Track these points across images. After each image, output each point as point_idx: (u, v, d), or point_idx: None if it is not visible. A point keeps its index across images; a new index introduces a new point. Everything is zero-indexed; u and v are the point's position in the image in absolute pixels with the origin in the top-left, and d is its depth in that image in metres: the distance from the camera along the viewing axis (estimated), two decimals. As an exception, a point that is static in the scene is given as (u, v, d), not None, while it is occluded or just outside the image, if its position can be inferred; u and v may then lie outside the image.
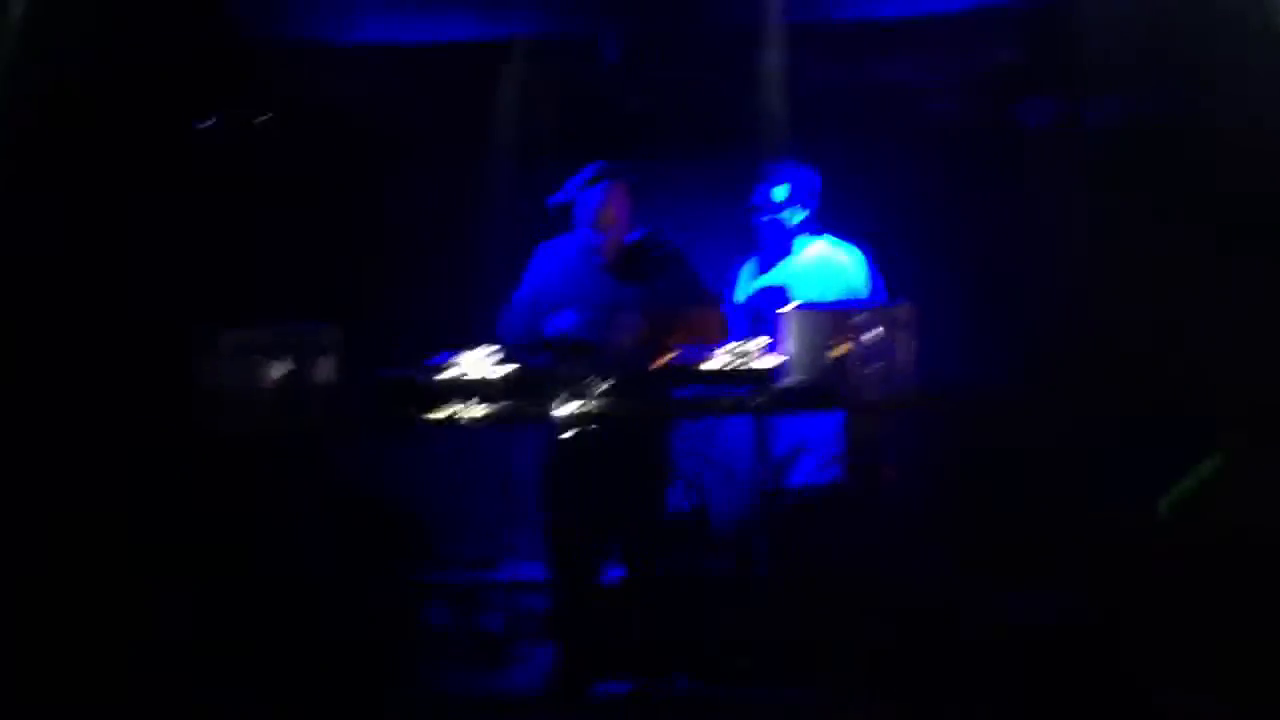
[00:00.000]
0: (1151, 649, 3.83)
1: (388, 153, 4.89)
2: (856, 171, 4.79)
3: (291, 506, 3.67)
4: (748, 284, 4.17)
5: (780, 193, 4.03)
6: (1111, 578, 3.98)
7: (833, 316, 3.47)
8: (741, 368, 3.46)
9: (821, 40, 4.76)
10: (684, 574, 4.37)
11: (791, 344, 3.53)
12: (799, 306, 3.89)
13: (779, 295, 4.02)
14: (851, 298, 3.98)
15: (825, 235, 4.11)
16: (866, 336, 3.42)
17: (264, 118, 4.86)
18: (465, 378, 3.38)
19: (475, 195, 4.83)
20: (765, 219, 4.04)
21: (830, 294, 3.96)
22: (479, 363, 3.43)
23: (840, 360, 3.46)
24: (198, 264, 4.76)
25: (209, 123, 4.79)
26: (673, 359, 3.73)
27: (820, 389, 3.41)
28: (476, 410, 3.33)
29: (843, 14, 4.72)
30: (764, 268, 4.12)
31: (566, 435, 3.75)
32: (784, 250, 4.09)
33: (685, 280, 3.95)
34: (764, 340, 3.55)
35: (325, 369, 3.35)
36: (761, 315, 4.04)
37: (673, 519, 4.20)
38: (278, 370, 3.34)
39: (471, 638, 4.48)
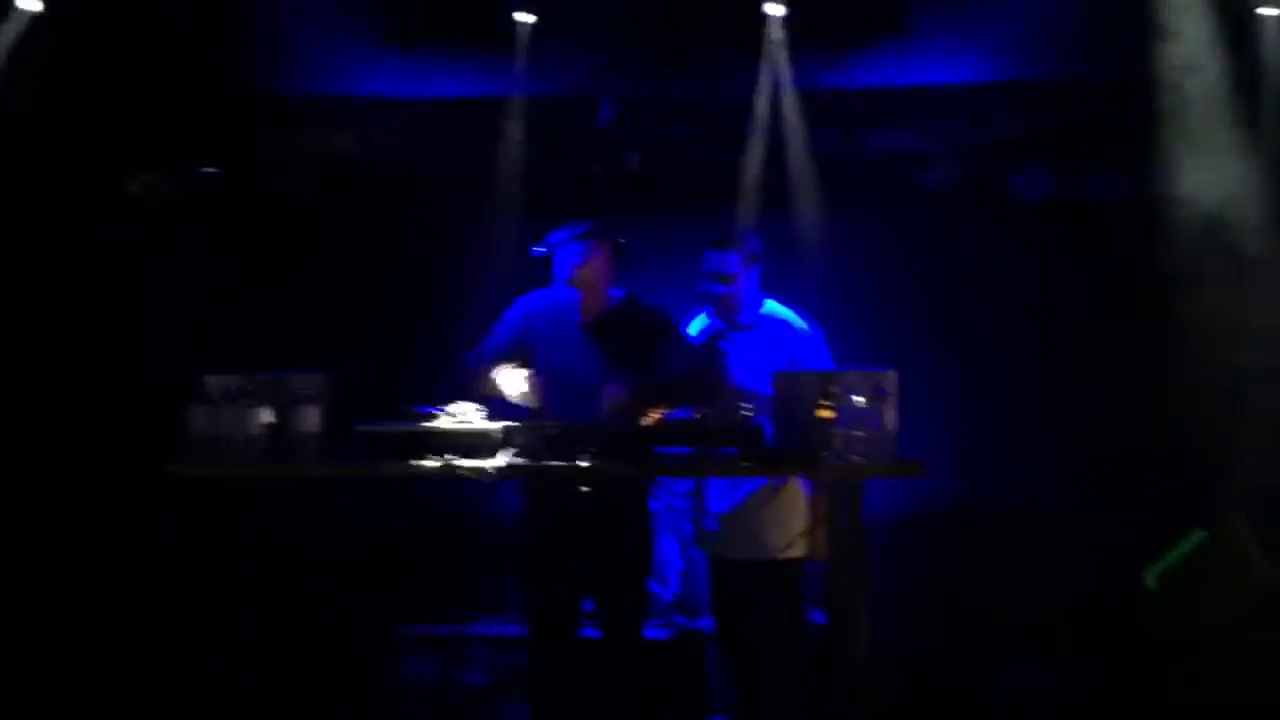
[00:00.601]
0: None
1: (385, 205, 4.94)
2: (845, 238, 4.85)
3: (275, 553, 3.67)
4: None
5: (730, 259, 4.03)
6: (1092, 647, 3.97)
7: (818, 378, 3.49)
8: (728, 428, 3.46)
9: (817, 108, 4.83)
10: (664, 636, 4.37)
11: (777, 405, 3.54)
12: (785, 370, 3.92)
13: (726, 359, 4.03)
14: (799, 361, 3.95)
15: (771, 300, 4.12)
16: (852, 401, 3.42)
17: (264, 168, 4.93)
18: (453, 429, 3.39)
19: (470, 249, 4.88)
20: (714, 285, 4.05)
21: (779, 358, 3.95)
22: (468, 415, 3.45)
23: (825, 423, 3.46)
24: (191, 311, 4.83)
25: (206, 172, 4.87)
26: (663, 417, 3.74)
27: (805, 452, 3.41)
28: (465, 462, 3.33)
29: (838, 81, 4.79)
30: (713, 331, 4.14)
31: (550, 492, 3.76)
32: (733, 314, 4.10)
33: (673, 347, 3.92)
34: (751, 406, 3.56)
35: (311, 418, 3.37)
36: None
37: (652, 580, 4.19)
38: (264, 417, 3.36)
39: (451, 692, 4.47)
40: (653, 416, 3.72)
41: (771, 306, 4.11)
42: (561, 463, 3.34)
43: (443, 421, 3.40)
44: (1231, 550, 3.78)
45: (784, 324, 4.06)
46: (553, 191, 4.84)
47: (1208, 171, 4.73)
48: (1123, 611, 4.15)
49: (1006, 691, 4.53)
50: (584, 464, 3.35)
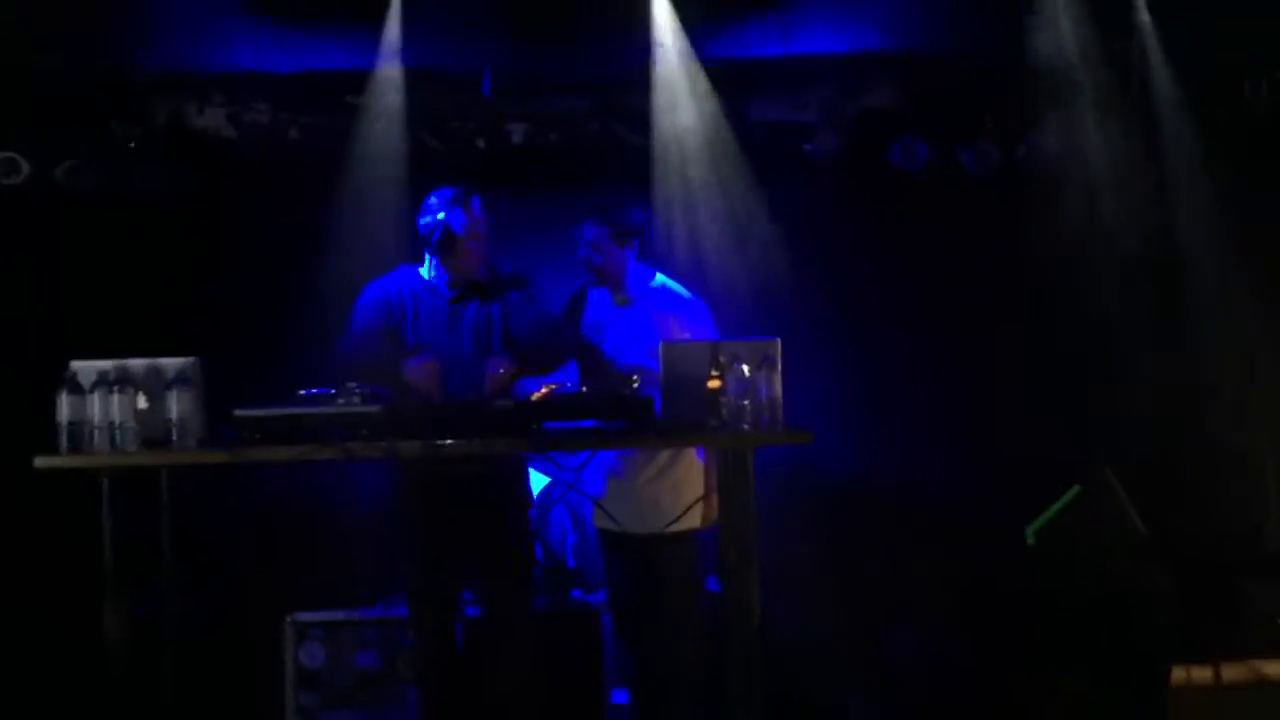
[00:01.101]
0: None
1: (256, 182, 4.79)
2: (731, 209, 4.87)
3: (152, 540, 3.57)
4: (593, 315, 4.16)
5: (596, 232, 4.03)
6: (980, 611, 4.08)
7: (705, 349, 3.50)
8: (617, 401, 3.46)
9: (700, 79, 4.82)
10: (549, 611, 4.36)
11: (665, 377, 3.55)
12: (671, 340, 3.93)
13: (608, 331, 4.03)
14: (683, 334, 3.97)
15: (660, 275, 4.13)
16: (739, 371, 3.45)
17: (130, 145, 4.74)
18: (335, 412, 3.32)
19: (350, 226, 4.77)
20: (590, 257, 4.05)
21: (663, 331, 3.97)
22: (349, 397, 3.38)
23: (713, 393, 3.48)
24: (59, 293, 4.64)
25: (74, 149, 4.67)
26: (551, 393, 3.72)
27: (692, 422, 3.43)
28: (345, 445, 3.27)
29: (719, 52, 4.79)
30: (594, 304, 4.13)
31: (424, 471, 3.70)
32: (612, 287, 4.10)
33: (538, 318, 3.90)
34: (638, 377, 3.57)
35: (186, 403, 3.26)
36: (590, 351, 4.04)
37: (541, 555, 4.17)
38: (137, 403, 3.25)
39: (342, 676, 4.41)
40: (542, 391, 3.70)
41: (660, 280, 4.11)
42: (451, 441, 3.30)
43: (324, 404, 3.32)
44: (1104, 503, 3.92)
45: (669, 297, 4.07)
46: (435, 167, 4.75)
47: (1081, 143, 4.87)
48: (1008, 572, 4.27)
49: (898, 659, 4.64)
50: (473, 442, 3.32)
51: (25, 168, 4.65)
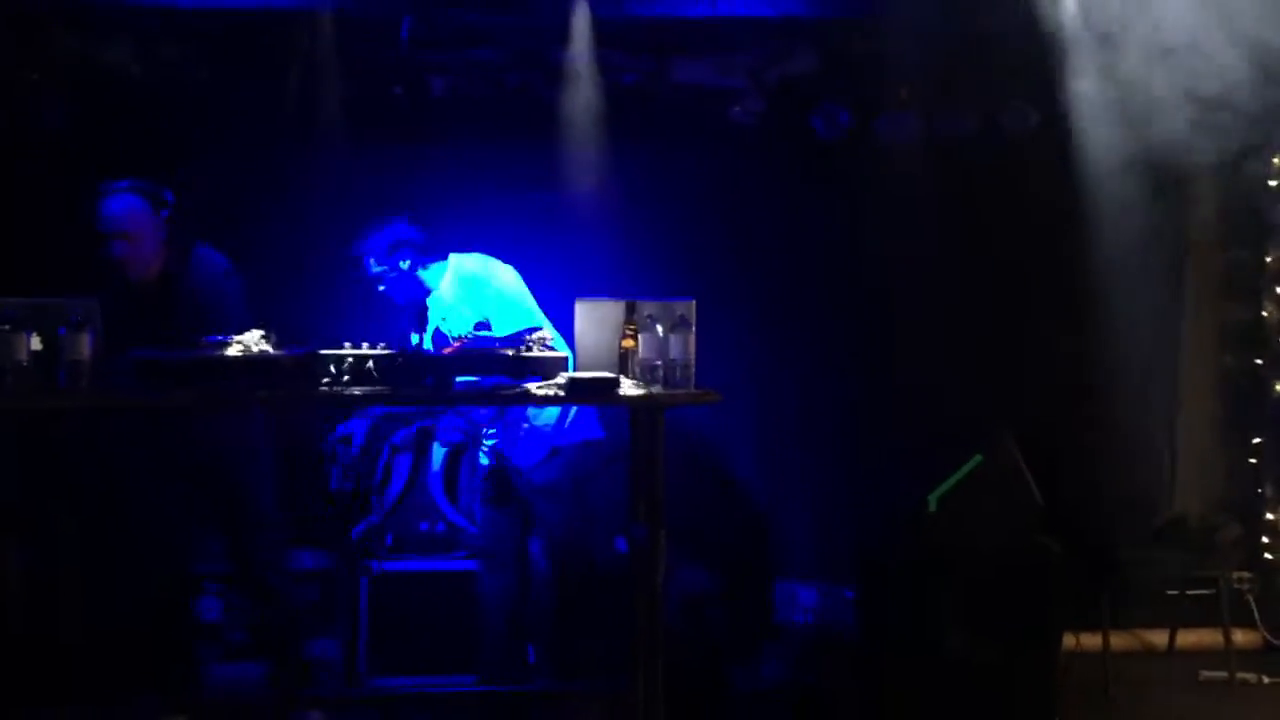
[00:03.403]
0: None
1: (171, 124, 4.65)
2: (651, 169, 4.85)
3: (45, 488, 3.47)
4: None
5: (376, 263, 4.01)
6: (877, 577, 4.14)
7: (619, 308, 3.50)
8: (530, 357, 3.43)
9: (620, 37, 4.78)
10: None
11: (579, 334, 3.54)
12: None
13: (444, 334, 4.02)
14: (497, 300, 3.96)
15: (449, 256, 4.11)
16: (654, 330, 3.45)
17: (34, 79, 4.56)
18: (237, 357, 3.24)
19: (264, 175, 4.65)
20: (380, 288, 4.03)
21: (484, 304, 3.96)
22: (253, 342, 3.31)
23: (625, 353, 3.48)
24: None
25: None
26: (462, 345, 3.68)
27: (604, 380, 3.42)
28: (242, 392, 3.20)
29: (643, 11, 4.75)
30: (409, 316, 4.11)
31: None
32: (417, 294, 4.08)
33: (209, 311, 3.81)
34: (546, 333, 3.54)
35: (82, 345, 3.17)
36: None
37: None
38: (32, 344, 3.15)
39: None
40: (453, 345, 3.66)
41: (451, 264, 4.07)
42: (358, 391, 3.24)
43: (222, 350, 3.25)
44: (1004, 472, 4.00)
45: (467, 273, 4.03)
46: (354, 114, 4.66)
47: (1007, 110, 4.91)
48: (909, 536, 4.34)
49: (791, 617, 4.71)
50: (379, 390, 3.27)
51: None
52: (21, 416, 3.22)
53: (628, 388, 3.40)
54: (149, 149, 4.50)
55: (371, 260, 4.02)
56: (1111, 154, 4.77)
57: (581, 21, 4.71)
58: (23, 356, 3.14)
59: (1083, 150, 4.81)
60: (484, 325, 3.86)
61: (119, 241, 3.82)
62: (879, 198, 4.87)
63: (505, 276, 4.03)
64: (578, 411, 4.03)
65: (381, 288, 4.04)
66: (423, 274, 4.05)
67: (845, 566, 4.59)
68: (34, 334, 3.17)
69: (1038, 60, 4.74)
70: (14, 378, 3.13)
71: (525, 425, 4.02)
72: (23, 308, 3.19)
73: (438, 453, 4.55)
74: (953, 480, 4.00)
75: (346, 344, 3.27)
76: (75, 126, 4.63)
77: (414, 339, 4.11)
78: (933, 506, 3.99)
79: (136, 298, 3.76)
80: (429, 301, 4.09)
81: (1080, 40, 4.74)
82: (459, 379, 3.41)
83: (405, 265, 4.02)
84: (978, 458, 4.00)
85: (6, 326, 3.15)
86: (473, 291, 4.00)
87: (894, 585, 4.02)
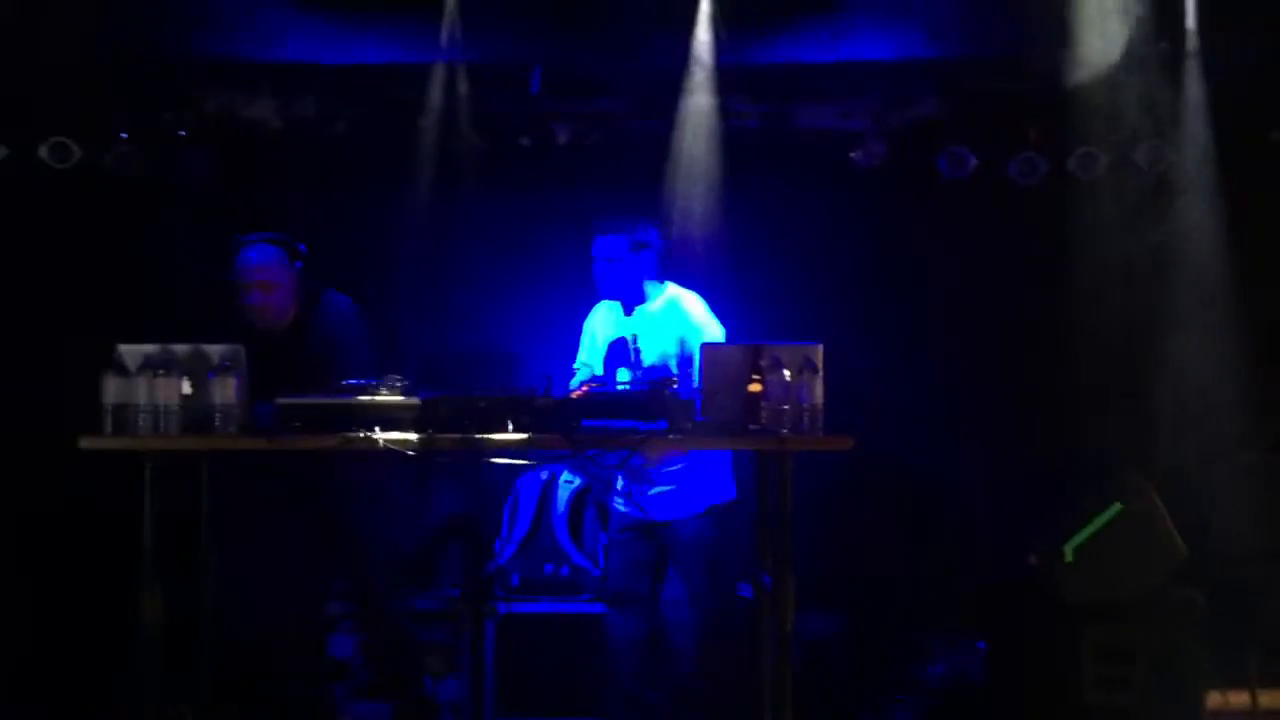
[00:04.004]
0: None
1: (303, 175, 4.82)
2: (772, 212, 4.85)
3: (195, 527, 3.60)
4: (604, 330, 4.16)
5: (614, 244, 4.03)
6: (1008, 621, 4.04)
7: (745, 352, 3.50)
8: (657, 401, 3.45)
9: (742, 83, 4.81)
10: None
11: (705, 378, 3.54)
12: (711, 343, 3.92)
13: (627, 343, 4.03)
14: (704, 340, 3.95)
15: (668, 281, 4.13)
16: (780, 375, 3.43)
17: (180, 133, 4.77)
18: (374, 402, 3.33)
19: (392, 222, 4.79)
20: (607, 268, 4.05)
21: (681, 338, 3.97)
22: (390, 389, 3.39)
23: (753, 396, 3.47)
24: (109, 280, 4.69)
25: (120, 139, 4.71)
26: (590, 390, 3.72)
27: (732, 425, 3.42)
28: (386, 435, 3.28)
29: (765, 58, 4.78)
30: (606, 320, 4.14)
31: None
32: (621, 298, 4.10)
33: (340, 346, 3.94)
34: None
35: (229, 389, 3.29)
36: (615, 363, 4.04)
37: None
38: (181, 387, 3.28)
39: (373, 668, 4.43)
40: (581, 389, 3.70)
41: (672, 294, 4.09)
42: (488, 435, 3.30)
43: (365, 394, 3.34)
44: (1144, 520, 3.88)
45: (679, 313, 4.05)
46: (482, 163, 4.77)
47: (1126, 153, 4.83)
48: (1043, 586, 4.23)
49: (923, 667, 4.61)
50: (512, 436, 3.32)
51: (76, 152, 4.70)
52: (169, 458, 3.33)
53: (755, 433, 3.39)
54: (286, 199, 4.68)
55: (611, 244, 4.03)
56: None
57: (703, 69, 4.76)
58: (174, 399, 3.28)
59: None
60: (687, 357, 3.89)
61: (256, 291, 3.96)
62: (1007, 240, 4.81)
63: (710, 321, 4.06)
64: (715, 462, 4.01)
65: (603, 269, 4.04)
66: (646, 283, 4.07)
67: (976, 616, 4.48)
68: (184, 377, 3.30)
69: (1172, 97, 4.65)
70: (165, 419, 3.26)
71: (650, 469, 4.03)
72: (175, 353, 3.32)
73: (563, 495, 4.60)
74: (1090, 529, 3.90)
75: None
76: (217, 178, 4.82)
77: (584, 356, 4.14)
78: (1069, 556, 3.89)
79: (267, 344, 3.89)
80: (635, 312, 4.09)
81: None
82: (586, 422, 3.44)
83: (625, 266, 4.02)
84: (1116, 506, 3.90)
85: (159, 370, 3.29)
86: (679, 320, 4.03)
87: (1028, 637, 3.92)
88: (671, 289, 4.11)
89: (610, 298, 4.11)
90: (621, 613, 4.11)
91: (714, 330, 4.04)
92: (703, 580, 4.03)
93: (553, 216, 4.88)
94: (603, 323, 4.16)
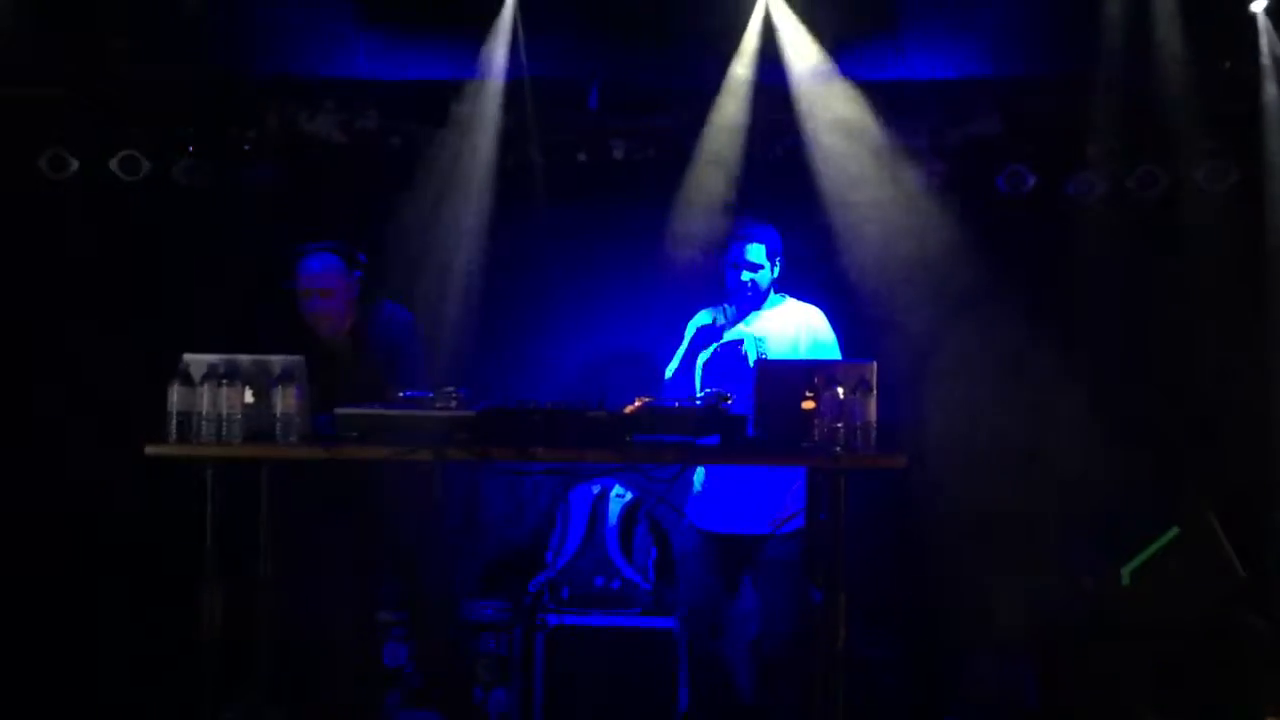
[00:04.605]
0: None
1: (367, 187, 4.90)
2: (828, 232, 4.85)
3: (253, 534, 3.66)
4: (709, 336, 4.17)
5: (758, 251, 4.06)
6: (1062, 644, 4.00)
7: (800, 369, 3.50)
8: (709, 416, 3.46)
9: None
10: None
11: (759, 395, 3.55)
12: (768, 359, 3.93)
13: (740, 350, 4.05)
14: (823, 354, 4.00)
15: (786, 294, 4.15)
16: (834, 392, 3.43)
17: (245, 147, 4.87)
18: (429, 415, 3.37)
19: (442, 236, 4.84)
20: (743, 277, 4.07)
21: (801, 350, 3.99)
22: (446, 401, 3.44)
23: (806, 414, 3.47)
24: (175, 289, 4.79)
25: (188, 152, 4.82)
26: (643, 405, 3.74)
27: (786, 441, 3.42)
28: (439, 448, 3.32)
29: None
30: (733, 323, 4.15)
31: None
32: (754, 306, 4.12)
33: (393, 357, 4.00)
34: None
35: (291, 399, 3.35)
36: (724, 369, 4.05)
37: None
38: (244, 397, 3.35)
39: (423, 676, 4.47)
40: (635, 404, 3.72)
41: (786, 298, 4.16)
42: (544, 448, 3.34)
43: (421, 407, 3.39)
44: (1202, 544, 3.83)
45: (800, 315, 4.12)
46: (540, 177, 4.82)
47: (1186, 172, 4.77)
48: (1097, 609, 4.18)
49: (976, 687, 4.56)
50: (565, 451, 3.35)
51: (145, 165, 4.81)
52: (230, 466, 3.40)
53: (807, 450, 3.39)
54: (347, 210, 4.76)
55: (755, 252, 4.09)
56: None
57: (743, 85, 4.74)
58: (236, 408, 3.35)
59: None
60: None
61: (316, 298, 4.03)
62: (1069, 258, 4.76)
63: (831, 334, 4.12)
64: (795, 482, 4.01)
65: (740, 277, 4.09)
66: (772, 292, 4.14)
67: (1028, 638, 4.43)
68: (247, 387, 3.37)
69: (1234, 116, 4.59)
70: (228, 428, 3.33)
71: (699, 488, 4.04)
72: (238, 363, 3.39)
73: (614, 509, 4.62)
74: (1148, 552, 3.85)
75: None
76: (280, 189, 4.91)
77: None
78: (1125, 580, 3.84)
79: (326, 353, 3.95)
80: (750, 318, 4.14)
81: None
82: (638, 436, 3.46)
83: (766, 273, 4.09)
84: (1174, 530, 3.85)
85: (222, 380, 3.36)
86: (806, 331, 4.09)
87: (1081, 660, 3.88)
88: (791, 300, 4.16)
89: (745, 306, 4.15)
90: (687, 627, 4.12)
91: (833, 343, 4.07)
92: (784, 599, 4.01)
93: (608, 231, 4.92)
94: (707, 330, 4.17)
